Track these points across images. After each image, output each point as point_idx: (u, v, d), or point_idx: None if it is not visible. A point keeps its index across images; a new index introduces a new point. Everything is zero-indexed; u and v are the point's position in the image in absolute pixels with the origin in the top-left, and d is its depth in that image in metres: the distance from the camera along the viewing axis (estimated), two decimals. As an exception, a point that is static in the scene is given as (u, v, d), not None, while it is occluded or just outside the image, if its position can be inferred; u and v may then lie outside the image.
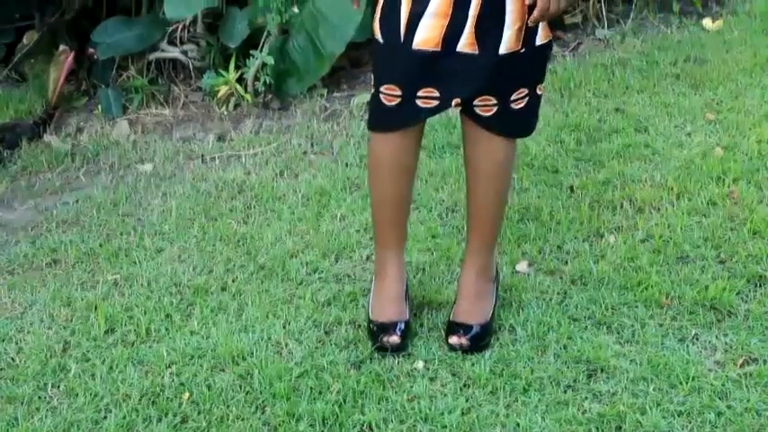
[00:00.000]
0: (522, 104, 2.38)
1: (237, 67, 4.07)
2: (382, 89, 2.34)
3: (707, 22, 4.95)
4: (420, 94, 2.33)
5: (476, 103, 2.34)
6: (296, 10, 3.98)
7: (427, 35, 2.28)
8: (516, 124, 2.42)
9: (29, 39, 4.28)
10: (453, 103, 2.35)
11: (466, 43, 2.29)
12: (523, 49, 2.32)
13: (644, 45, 4.70)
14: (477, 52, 2.29)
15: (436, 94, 2.33)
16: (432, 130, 3.64)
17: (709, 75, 4.24)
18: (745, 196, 3.14)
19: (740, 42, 4.67)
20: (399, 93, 2.33)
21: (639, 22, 5.00)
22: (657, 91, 4.10)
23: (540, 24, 2.32)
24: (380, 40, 2.32)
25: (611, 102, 4.00)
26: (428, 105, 2.35)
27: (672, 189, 3.21)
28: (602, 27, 4.89)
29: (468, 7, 2.26)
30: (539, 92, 2.42)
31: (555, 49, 4.63)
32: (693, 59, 4.48)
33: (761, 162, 3.38)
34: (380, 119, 2.41)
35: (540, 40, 2.35)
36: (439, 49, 2.29)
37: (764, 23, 4.90)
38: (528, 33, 2.32)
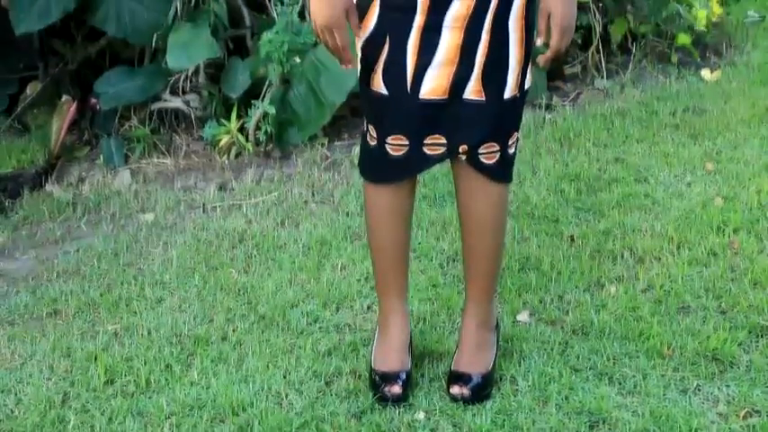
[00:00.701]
0: (513, 148, 2.40)
1: (239, 117, 4.09)
2: (389, 140, 2.33)
3: (705, 72, 4.98)
4: (427, 141, 2.33)
5: (480, 150, 2.35)
6: (297, 60, 4.01)
7: (435, 84, 2.28)
8: (510, 169, 2.44)
9: (32, 89, 4.32)
10: (461, 150, 2.35)
11: (473, 90, 2.29)
12: (518, 94, 2.35)
13: (643, 95, 4.73)
14: (483, 99, 2.30)
15: (443, 141, 2.34)
16: (432, 179, 3.65)
17: (709, 125, 4.26)
18: (746, 247, 3.14)
19: (738, 93, 4.70)
20: (407, 142, 2.33)
21: (638, 72, 5.04)
22: (657, 141, 4.12)
23: (529, 68, 2.35)
24: (385, 93, 2.31)
25: (610, 152, 4.02)
26: (435, 153, 2.35)
27: (672, 239, 3.22)
28: (602, 77, 4.92)
29: (475, 54, 2.27)
30: (519, 134, 2.45)
31: (555, 98, 4.67)
32: (692, 110, 4.51)
33: (761, 212, 3.39)
34: (385, 170, 2.40)
35: (527, 83, 2.38)
36: (446, 98, 2.29)
37: (762, 75, 4.94)
38: (522, 77, 2.34)
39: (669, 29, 5.24)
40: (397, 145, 2.34)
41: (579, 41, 4.99)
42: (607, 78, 4.93)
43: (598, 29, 4.94)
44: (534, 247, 3.20)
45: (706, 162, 3.86)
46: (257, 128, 4.04)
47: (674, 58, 5.12)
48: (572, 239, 3.25)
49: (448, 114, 2.31)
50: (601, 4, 5.05)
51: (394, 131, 2.33)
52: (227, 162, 4.05)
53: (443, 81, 2.28)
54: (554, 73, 4.87)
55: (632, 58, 5.11)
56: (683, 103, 4.58)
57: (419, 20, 2.24)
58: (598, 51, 4.98)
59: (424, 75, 2.27)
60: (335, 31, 2.24)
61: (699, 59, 5.19)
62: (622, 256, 3.13)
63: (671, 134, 4.20)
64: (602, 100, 4.71)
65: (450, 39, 2.25)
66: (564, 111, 4.54)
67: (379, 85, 2.32)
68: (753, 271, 2.99)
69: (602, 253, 3.15)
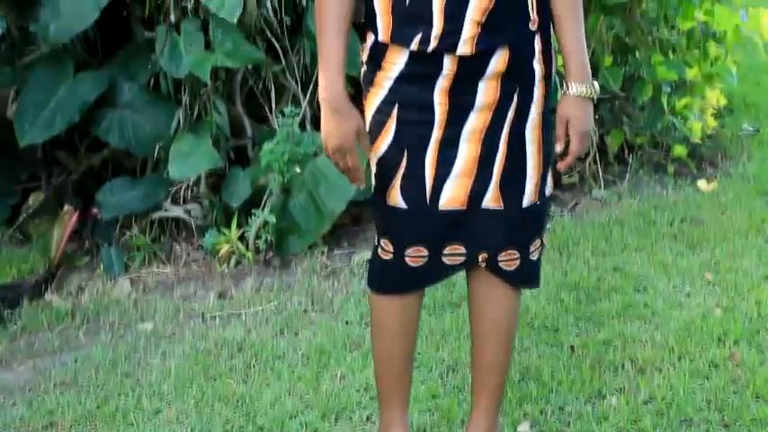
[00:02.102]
0: (536, 255, 2.41)
1: (239, 226, 4.12)
2: (408, 252, 2.33)
3: (702, 183, 5.03)
4: (446, 251, 2.34)
5: (500, 258, 2.36)
6: (298, 170, 4.06)
7: (453, 195, 2.29)
8: (533, 275, 2.45)
9: (34, 199, 4.35)
10: (480, 259, 2.36)
11: (491, 198, 2.31)
12: (539, 201, 2.36)
13: (641, 205, 4.76)
14: (501, 207, 2.32)
15: (462, 250, 2.34)
16: (432, 288, 3.64)
17: (706, 235, 4.28)
18: (747, 358, 3.13)
19: (735, 204, 4.73)
20: (426, 253, 2.33)
21: (635, 182, 5.09)
22: (655, 251, 4.14)
23: (549, 175, 2.38)
24: (403, 207, 2.30)
25: (609, 261, 4.03)
26: (454, 262, 2.36)
27: (673, 350, 3.20)
28: (599, 187, 4.97)
29: (493, 165, 2.29)
30: (545, 240, 2.46)
31: (553, 208, 4.70)
32: (690, 220, 4.53)
33: (761, 323, 3.38)
34: (402, 281, 2.38)
35: (548, 190, 2.40)
36: (465, 208, 2.31)
37: (758, 186, 4.98)
38: (542, 185, 2.36)
39: (665, 140, 5.30)
40: (416, 257, 2.34)
41: (576, 152, 5.04)
42: (604, 188, 4.97)
43: (595, 139, 5.00)
44: (534, 357, 3.18)
45: (705, 272, 3.87)
46: (257, 236, 4.06)
47: (671, 169, 5.17)
48: (572, 349, 3.24)
49: (467, 224, 2.32)
50: (597, 116, 5.13)
51: (413, 244, 2.33)
52: (226, 271, 4.06)
53: (461, 192, 2.29)
54: (552, 182, 4.91)
55: (629, 168, 5.16)
56: (680, 214, 4.61)
57: (437, 134, 2.27)
58: (595, 162, 5.04)
59: (442, 186, 2.29)
60: (347, 152, 2.25)
61: (695, 170, 5.24)
62: (623, 367, 3.11)
63: (669, 244, 4.22)
64: (600, 209, 4.74)
65: (467, 151, 2.27)
66: (562, 220, 4.57)
67: (396, 200, 2.31)
68: (754, 383, 2.97)
69: (602, 363, 3.13)
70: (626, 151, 5.25)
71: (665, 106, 5.13)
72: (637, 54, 5.15)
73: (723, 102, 5.68)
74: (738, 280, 3.77)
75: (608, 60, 4.92)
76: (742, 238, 4.25)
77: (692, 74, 5.27)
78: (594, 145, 5.00)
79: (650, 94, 5.07)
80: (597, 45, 4.86)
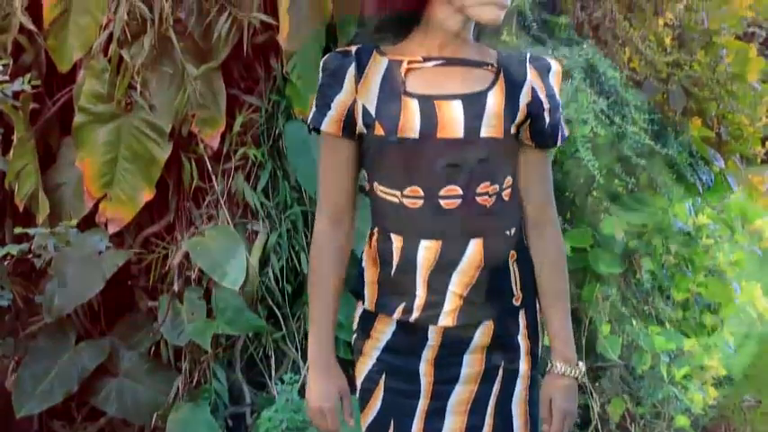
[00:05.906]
0: None
1: None
2: None
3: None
4: None
5: None
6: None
7: None
8: None
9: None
10: None
11: None
12: None
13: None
14: None
15: None
16: None
17: None
18: None
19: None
20: None
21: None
22: None
23: None
24: None
25: None
26: None
27: None
28: (603, 456, 4.88)
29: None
30: None
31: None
32: None
33: None
34: None
35: None
36: None
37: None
38: None
39: (667, 411, 5.25)
40: None
41: (578, 420, 4.98)
42: (608, 458, 4.87)
43: (596, 408, 4.95)
44: None
45: None
46: (253, 506, 3.95)
47: (674, 451, 5.10)
48: None
49: None
50: (597, 384, 5.11)
51: None
52: None
53: None
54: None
55: (631, 442, 5.09)
56: None
57: (423, 404, 2.27)
58: (597, 431, 4.96)
59: None
60: (327, 414, 2.27)
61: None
62: None
63: None
64: (606, 480, 4.63)
65: (453, 422, 2.26)
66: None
67: None
68: None
69: None
70: (628, 420, 5.19)
71: (665, 375, 5.12)
72: (634, 323, 5.20)
73: (723, 372, 5.68)
74: None
75: (606, 329, 4.96)
76: None
77: (689, 344, 5.30)
78: (596, 414, 4.94)
79: (649, 363, 5.07)
80: (594, 314, 4.92)
